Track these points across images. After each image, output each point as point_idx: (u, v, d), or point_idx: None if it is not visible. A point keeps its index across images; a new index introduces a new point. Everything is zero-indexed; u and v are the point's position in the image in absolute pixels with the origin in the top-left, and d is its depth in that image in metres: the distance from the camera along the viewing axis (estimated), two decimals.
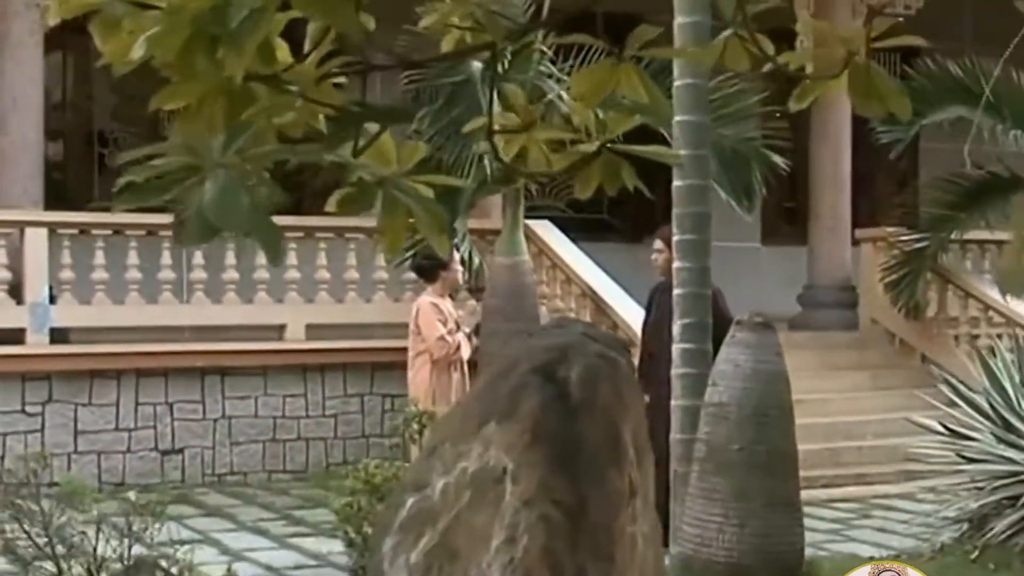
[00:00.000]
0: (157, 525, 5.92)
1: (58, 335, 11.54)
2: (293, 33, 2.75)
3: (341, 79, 2.98)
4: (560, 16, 2.99)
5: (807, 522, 7.38)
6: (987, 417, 8.02)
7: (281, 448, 12.29)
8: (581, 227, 13.72)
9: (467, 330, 9.46)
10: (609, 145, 3.31)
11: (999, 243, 14.99)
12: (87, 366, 11.49)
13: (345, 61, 2.81)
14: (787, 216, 17.31)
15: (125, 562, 5.60)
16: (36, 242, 11.37)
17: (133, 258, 11.83)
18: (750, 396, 6.59)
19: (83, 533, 5.67)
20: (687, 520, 6.63)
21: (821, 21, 2.90)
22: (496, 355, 10.29)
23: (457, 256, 9.64)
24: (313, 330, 12.41)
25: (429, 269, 9.42)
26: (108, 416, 11.58)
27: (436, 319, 9.25)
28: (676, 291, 6.13)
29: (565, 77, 10.59)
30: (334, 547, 9.25)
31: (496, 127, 3.24)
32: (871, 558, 7.42)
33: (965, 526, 7.87)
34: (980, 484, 7.75)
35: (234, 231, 2.35)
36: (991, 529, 7.56)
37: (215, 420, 12.02)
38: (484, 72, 9.17)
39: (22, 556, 5.49)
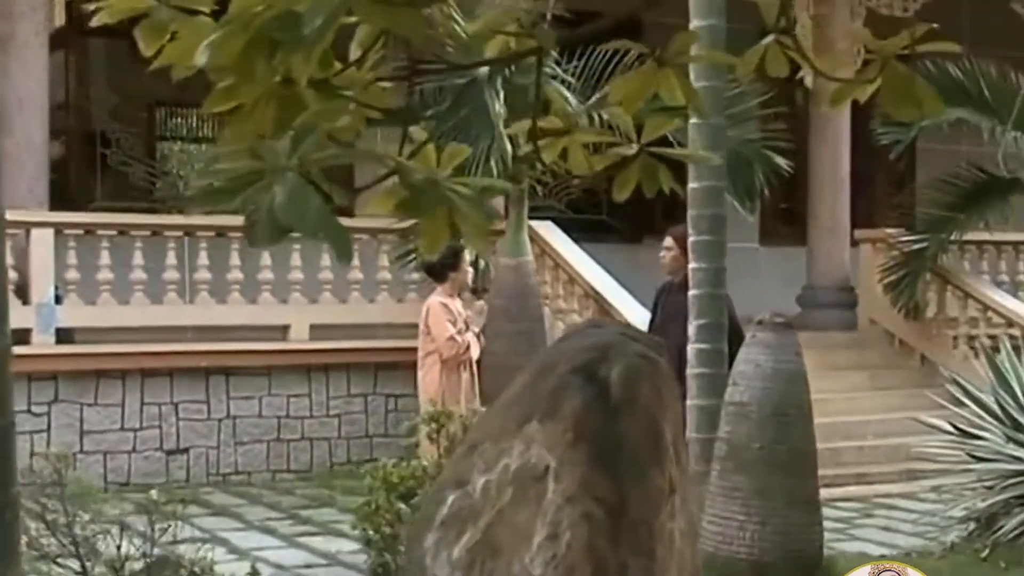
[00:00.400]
0: (178, 523, 5.96)
1: (64, 335, 11.58)
2: None
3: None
4: (608, 21, 3.04)
5: None
6: (995, 417, 8.09)
7: (285, 448, 12.34)
8: (581, 228, 13.77)
9: (476, 330, 9.52)
10: (647, 148, 3.36)
11: (997, 244, 15.10)
12: (93, 366, 11.53)
13: (397, 66, 2.86)
14: (785, 217, 17.39)
15: (148, 560, 5.65)
16: (42, 243, 11.40)
17: (138, 258, 11.87)
18: (770, 396, 6.66)
19: (107, 532, 5.73)
20: (708, 518, 6.70)
21: (861, 28, 2.94)
22: (500, 355, 10.43)
23: (467, 257, 9.68)
24: (317, 330, 12.46)
25: (439, 269, 9.48)
26: (114, 416, 11.62)
27: (446, 319, 9.30)
28: (692, 292, 6.20)
29: (570, 79, 10.65)
30: (343, 546, 9.32)
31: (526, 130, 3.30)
32: (883, 556, 7.51)
33: (972, 525, 7.94)
34: (988, 483, 7.81)
35: (303, 232, 2.40)
36: (1000, 528, 7.63)
37: (220, 420, 12.06)
38: (493, 75, 9.23)
39: (47, 554, 5.54)
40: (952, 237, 13.93)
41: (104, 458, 11.50)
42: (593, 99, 10.69)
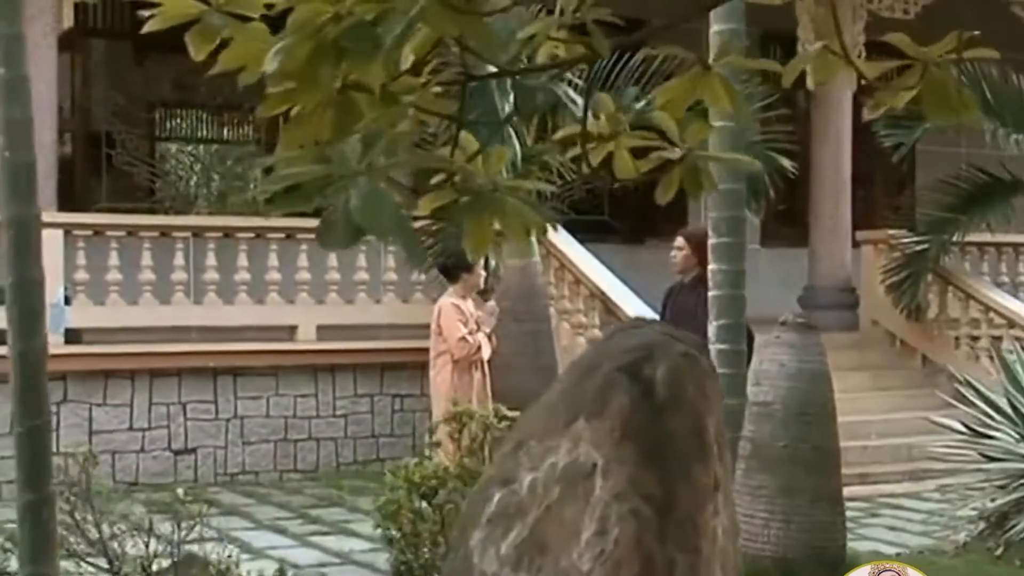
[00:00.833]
0: (202, 523, 6.02)
1: (72, 336, 11.63)
2: None
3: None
4: (666, 28, 3.10)
5: None
6: (1007, 416, 8.17)
7: (292, 448, 12.40)
8: (583, 228, 13.82)
9: (487, 331, 9.58)
10: (691, 152, 3.43)
11: (998, 245, 15.19)
12: (101, 366, 11.57)
13: (455, 72, 2.92)
14: (786, 218, 17.46)
15: (174, 558, 5.71)
16: (51, 243, 11.38)
17: (147, 259, 11.92)
18: (794, 395, 6.75)
19: (135, 530, 5.79)
20: None
21: (899, 34, 3.02)
22: (507, 356, 10.47)
23: (482, 260, 9.75)
24: (324, 331, 12.51)
25: (452, 269, 9.55)
26: (122, 416, 11.67)
27: (457, 320, 9.37)
28: (712, 293, 6.27)
29: (579, 81, 10.71)
30: (355, 545, 9.39)
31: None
32: (898, 555, 7.59)
33: (982, 525, 8.01)
34: (1000, 483, 7.89)
35: (377, 234, 2.46)
36: (1013, 527, 7.70)
37: (227, 420, 12.11)
38: (504, 81, 9.27)
39: (75, 553, 5.59)
40: (954, 238, 14.01)
41: (112, 458, 11.53)
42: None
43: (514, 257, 11.37)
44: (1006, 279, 15.32)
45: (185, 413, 11.95)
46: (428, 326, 12.60)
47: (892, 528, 9.84)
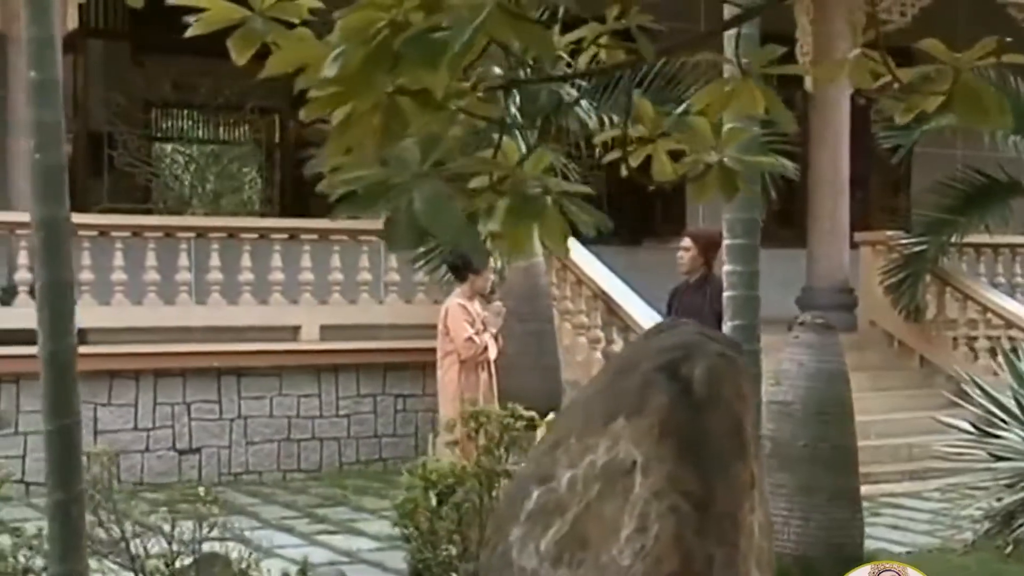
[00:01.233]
0: (222, 521, 6.08)
1: (77, 336, 11.62)
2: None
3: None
4: (712, 35, 3.17)
5: None
6: (1013, 416, 8.24)
7: (295, 447, 12.45)
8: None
9: (494, 331, 9.63)
10: (727, 156, 3.50)
11: (995, 246, 15.29)
12: (106, 366, 11.61)
13: (506, 76, 2.97)
14: (784, 219, 17.53)
15: (196, 556, 5.77)
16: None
17: (151, 260, 11.96)
18: (813, 394, 6.83)
19: (159, 527, 5.85)
20: None
21: (932, 40, 3.09)
22: (511, 356, 10.52)
23: (492, 263, 9.81)
24: (327, 331, 12.57)
25: (461, 269, 9.61)
26: (127, 416, 11.72)
27: (464, 320, 9.42)
28: (726, 293, 6.29)
29: (585, 83, 10.75)
30: (363, 544, 9.44)
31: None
32: (909, 552, 7.66)
33: (987, 524, 8.08)
34: (1007, 481, 7.96)
35: (442, 236, 2.52)
36: (1021, 525, 7.77)
37: (231, 420, 12.16)
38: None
39: (97, 551, 5.64)
40: (952, 240, 14.10)
41: (117, 458, 11.56)
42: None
43: (518, 258, 11.44)
44: (1002, 280, 15.42)
45: (189, 413, 12.00)
46: (430, 326, 12.64)
47: (895, 527, 9.91)
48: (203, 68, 14.91)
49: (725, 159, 3.54)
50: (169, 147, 17.28)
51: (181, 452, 11.94)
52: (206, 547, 6.20)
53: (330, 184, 2.72)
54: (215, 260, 12.22)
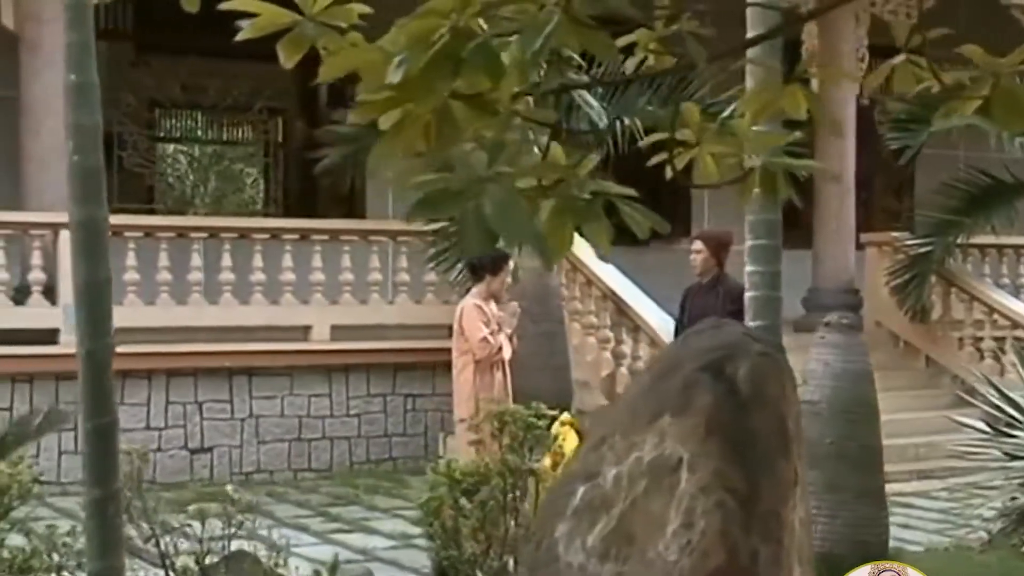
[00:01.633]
0: (250, 518, 6.15)
1: None
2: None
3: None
4: (761, 40, 3.24)
5: None
6: None
7: (306, 447, 12.53)
8: None
9: (509, 331, 9.70)
10: (768, 159, 3.57)
11: (999, 247, 15.38)
12: (119, 366, 11.31)
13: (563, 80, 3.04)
14: (789, 220, 17.57)
15: (226, 552, 5.84)
16: (70, 245, 11.52)
17: (164, 260, 12.02)
18: (839, 394, 6.91)
19: (188, 525, 5.92)
20: None
21: (972, 46, 3.16)
22: (522, 356, 10.58)
23: (510, 265, 9.88)
24: (337, 331, 12.63)
25: (479, 268, 9.68)
26: (139, 415, 11.77)
27: (479, 321, 9.49)
28: (748, 294, 6.37)
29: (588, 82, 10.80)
30: (377, 543, 9.51)
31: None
32: (927, 549, 7.74)
33: (1001, 522, 8.15)
34: (1021, 480, 8.02)
35: (511, 238, 2.58)
36: None
37: (243, 420, 12.24)
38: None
39: (130, 547, 5.70)
40: (958, 240, 14.17)
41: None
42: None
43: (528, 257, 11.50)
44: (1007, 281, 15.51)
45: (201, 412, 12.07)
46: (440, 327, 12.75)
47: (905, 526, 9.98)
48: (210, 69, 15.00)
49: (767, 162, 3.62)
50: (176, 147, 17.34)
51: (193, 451, 12.00)
52: (230, 545, 6.26)
53: (393, 183, 2.77)
54: (226, 260, 12.28)
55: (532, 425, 6.48)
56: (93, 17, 4.97)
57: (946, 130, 13.41)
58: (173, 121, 17.22)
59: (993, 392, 8.41)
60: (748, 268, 6.23)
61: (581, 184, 2.91)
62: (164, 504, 6.67)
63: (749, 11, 6.50)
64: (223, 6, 3.15)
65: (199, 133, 17.45)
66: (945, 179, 14.97)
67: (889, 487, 11.81)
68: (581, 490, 3.70)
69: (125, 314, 11.84)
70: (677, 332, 9.81)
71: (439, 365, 12.73)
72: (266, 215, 15.90)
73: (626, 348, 12.41)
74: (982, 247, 15.16)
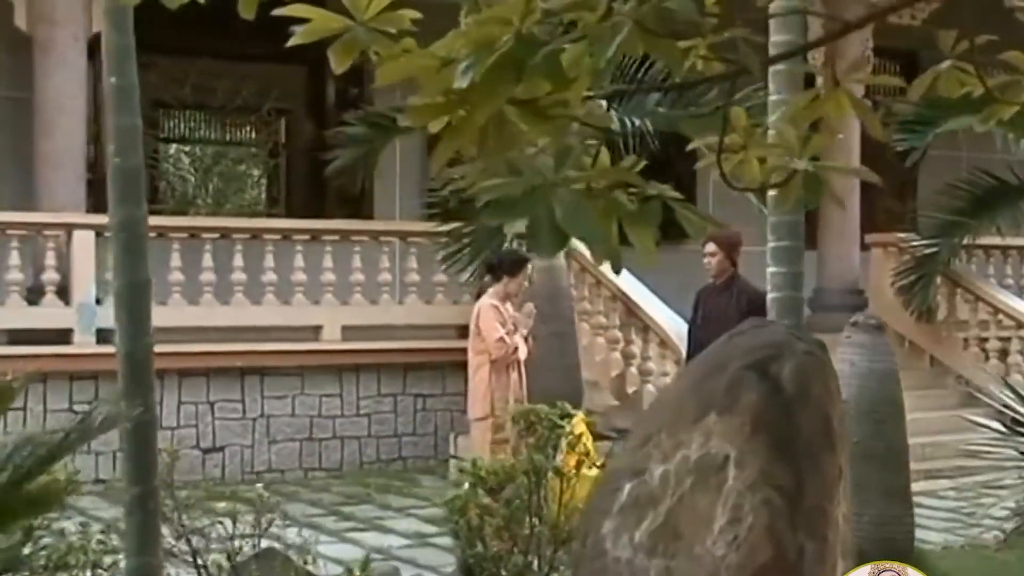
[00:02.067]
0: (277, 517, 6.22)
1: (103, 335, 11.77)
2: None
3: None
4: (817, 45, 3.30)
5: None
6: None
7: (317, 447, 12.59)
8: None
9: (524, 332, 9.78)
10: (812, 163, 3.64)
11: (1003, 248, 15.47)
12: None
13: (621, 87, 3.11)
14: None
15: (256, 549, 5.91)
16: (83, 244, 11.61)
17: (176, 260, 12.08)
18: (865, 393, 6.99)
19: (219, 522, 5.99)
20: None
21: (1017, 52, 3.23)
22: (536, 356, 10.66)
23: (528, 269, 9.96)
24: (348, 331, 12.70)
25: (497, 268, 9.77)
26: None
27: (496, 321, 9.56)
28: (771, 295, 6.44)
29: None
30: (393, 541, 9.57)
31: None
32: (946, 547, 7.81)
33: (1015, 521, 8.22)
34: None
35: (582, 240, 2.66)
36: None
37: (254, 419, 12.30)
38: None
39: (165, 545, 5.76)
40: (964, 242, 14.26)
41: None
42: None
43: (539, 258, 11.57)
44: (1011, 282, 15.60)
45: (213, 412, 12.13)
46: (450, 327, 12.85)
47: (917, 526, 10.04)
48: (218, 70, 15.06)
49: (810, 166, 3.69)
50: (179, 148, 17.40)
51: (205, 451, 12.06)
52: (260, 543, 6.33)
53: (481, 191, 2.82)
54: (238, 261, 12.34)
55: (556, 425, 6.56)
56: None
57: (951, 131, 13.52)
58: (180, 122, 17.27)
59: (1009, 392, 8.48)
60: (771, 269, 6.29)
61: (642, 186, 2.98)
62: (188, 503, 6.73)
63: (772, 19, 6.58)
64: (276, 12, 3.22)
65: (206, 134, 17.51)
66: (948, 180, 15.05)
67: None
68: (627, 487, 3.77)
69: None
70: (690, 334, 9.89)
71: (449, 365, 12.83)
72: (269, 215, 15.97)
73: (635, 348, 12.48)
74: (986, 248, 15.25)
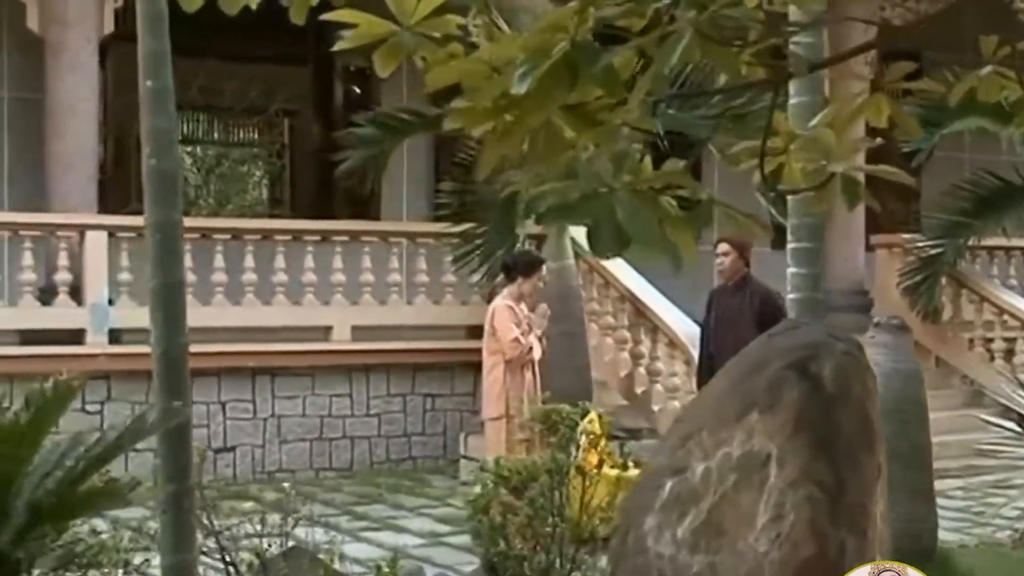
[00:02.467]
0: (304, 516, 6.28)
1: (115, 336, 11.83)
2: None
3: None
4: (858, 52, 3.37)
5: None
6: None
7: (327, 446, 12.65)
8: None
9: (539, 332, 9.84)
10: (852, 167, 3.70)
11: (1007, 249, 15.54)
12: (144, 366, 11.61)
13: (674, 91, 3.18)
14: None
15: (283, 547, 5.97)
16: (96, 245, 11.66)
17: (187, 261, 12.09)
18: (889, 394, 7.03)
19: (247, 520, 6.05)
20: None
21: None
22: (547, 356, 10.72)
23: (543, 271, 10.02)
24: (358, 331, 12.76)
25: (511, 268, 9.84)
26: None
27: (511, 321, 9.63)
28: (791, 296, 6.52)
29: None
30: (408, 540, 9.62)
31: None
32: (962, 545, 7.87)
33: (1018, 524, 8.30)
34: None
35: (643, 243, 2.72)
36: None
37: (265, 419, 12.36)
38: None
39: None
40: (970, 242, 14.33)
41: (154, 456, 11.71)
42: None
43: (549, 259, 11.63)
44: (1015, 282, 15.68)
45: (224, 412, 12.19)
46: (459, 327, 12.92)
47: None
48: (228, 71, 15.12)
49: (848, 169, 3.75)
50: (187, 148, 17.46)
51: (216, 451, 12.09)
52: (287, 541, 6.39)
53: (539, 196, 2.87)
54: (249, 261, 12.40)
55: (576, 424, 6.62)
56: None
57: (957, 132, 13.60)
58: (187, 123, 17.31)
59: (1022, 392, 8.54)
60: (791, 270, 6.36)
61: (695, 190, 3.04)
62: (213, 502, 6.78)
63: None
64: (324, 16, 3.28)
65: (215, 135, 17.57)
66: (952, 182, 15.11)
67: None
68: (669, 484, 3.84)
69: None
70: (703, 335, 9.96)
71: (458, 365, 12.91)
72: (271, 216, 16.02)
73: (644, 348, 12.55)
74: (991, 249, 15.33)
